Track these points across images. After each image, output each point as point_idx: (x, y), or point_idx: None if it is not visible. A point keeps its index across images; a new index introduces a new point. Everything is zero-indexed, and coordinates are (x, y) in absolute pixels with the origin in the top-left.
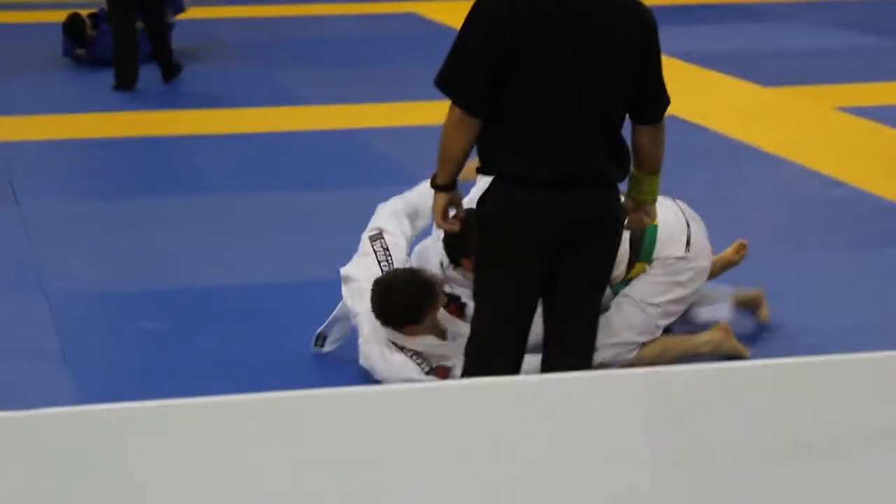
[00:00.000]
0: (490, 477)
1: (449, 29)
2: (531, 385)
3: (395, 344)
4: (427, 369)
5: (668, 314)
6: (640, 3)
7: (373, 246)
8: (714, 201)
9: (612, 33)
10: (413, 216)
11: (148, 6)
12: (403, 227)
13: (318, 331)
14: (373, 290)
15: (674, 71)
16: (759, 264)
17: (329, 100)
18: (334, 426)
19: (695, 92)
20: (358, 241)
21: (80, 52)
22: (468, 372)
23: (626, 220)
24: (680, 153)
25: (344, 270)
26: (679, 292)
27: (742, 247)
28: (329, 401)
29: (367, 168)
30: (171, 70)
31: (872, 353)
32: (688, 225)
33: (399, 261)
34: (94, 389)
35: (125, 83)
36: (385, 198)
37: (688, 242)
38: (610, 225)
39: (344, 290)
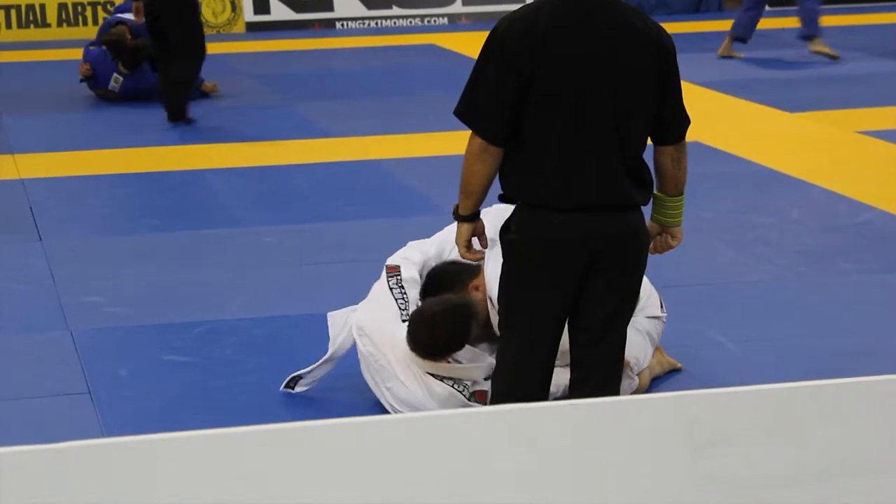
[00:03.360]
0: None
1: (468, 59)
2: (566, 409)
3: (433, 375)
4: (468, 394)
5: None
6: (658, 26)
7: (388, 284)
8: (742, 227)
9: (631, 57)
10: (426, 256)
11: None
12: (419, 263)
13: (296, 373)
14: (412, 324)
15: (698, 98)
16: (789, 289)
17: (352, 132)
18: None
19: (719, 119)
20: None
21: (114, 82)
22: (497, 400)
23: (651, 245)
24: (706, 180)
25: (356, 317)
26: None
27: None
28: (358, 429)
29: (391, 199)
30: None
31: None
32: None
33: (413, 300)
34: (121, 425)
35: (179, 116)
36: (409, 228)
37: (661, 305)
38: (636, 248)
39: (357, 337)
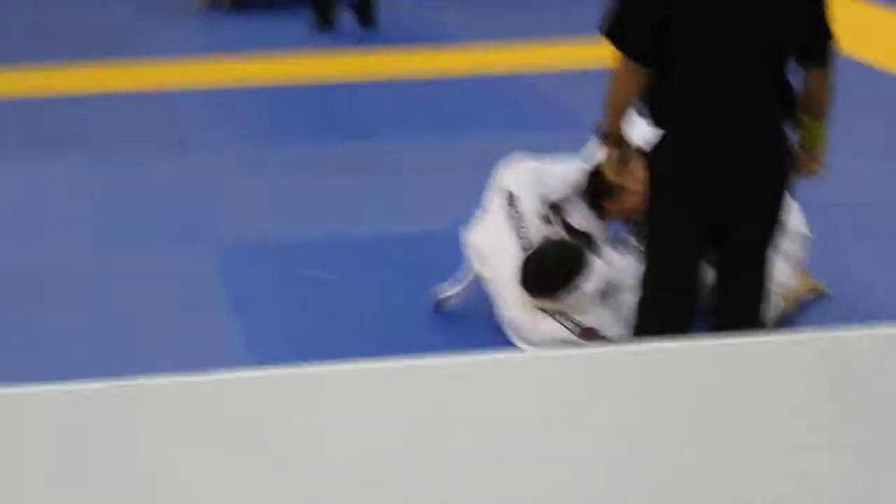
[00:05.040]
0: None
1: None
2: (706, 349)
3: (542, 310)
4: (578, 331)
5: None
6: None
7: (509, 212)
8: (892, 146)
9: None
10: (542, 186)
11: None
12: (536, 194)
13: (444, 294)
14: (524, 264)
15: (847, 9)
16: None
17: (496, 37)
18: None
19: (872, 33)
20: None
21: None
22: (641, 322)
23: (797, 165)
24: (854, 96)
25: (472, 238)
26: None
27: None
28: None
29: (534, 112)
30: (369, 13)
31: None
32: None
33: (534, 229)
34: (266, 345)
35: (327, 19)
36: (550, 142)
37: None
38: (779, 167)
39: (473, 258)
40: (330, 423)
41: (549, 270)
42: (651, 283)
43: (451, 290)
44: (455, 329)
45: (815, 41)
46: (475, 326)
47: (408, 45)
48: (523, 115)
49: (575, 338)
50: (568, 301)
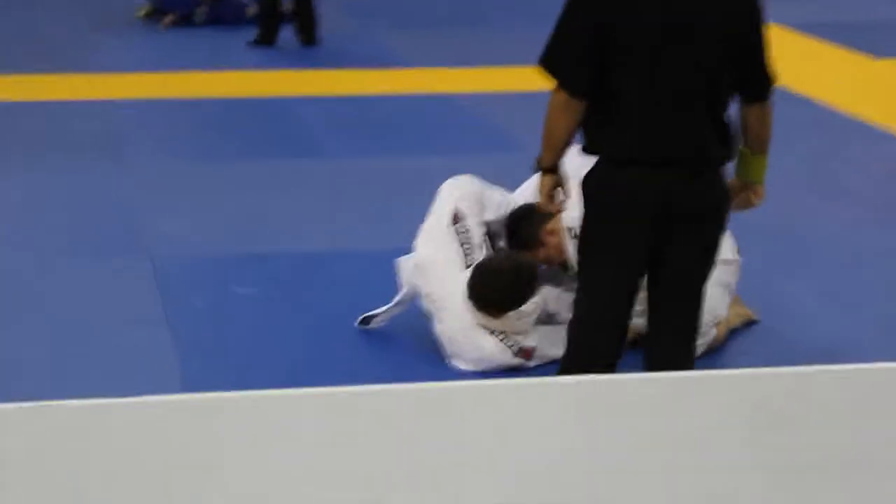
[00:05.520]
0: (589, 472)
1: None
2: (635, 384)
3: (483, 327)
4: (516, 350)
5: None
6: None
7: (455, 228)
8: (817, 176)
9: (718, 11)
10: (483, 210)
11: None
12: (479, 212)
13: (369, 313)
14: (475, 275)
15: (781, 41)
16: (868, 239)
17: (435, 62)
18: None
19: (802, 63)
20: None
21: (198, 17)
22: (571, 354)
23: (733, 202)
24: (784, 125)
25: (418, 255)
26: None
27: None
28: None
29: (471, 134)
30: (312, 33)
31: None
32: None
33: (476, 246)
34: (197, 357)
35: (269, 38)
36: (487, 165)
37: (737, 249)
38: (717, 206)
39: (415, 273)
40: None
41: (503, 285)
42: (584, 311)
43: (379, 309)
44: (382, 347)
45: (756, 80)
46: (403, 344)
47: (349, 66)
48: (461, 136)
49: (512, 357)
50: (512, 318)
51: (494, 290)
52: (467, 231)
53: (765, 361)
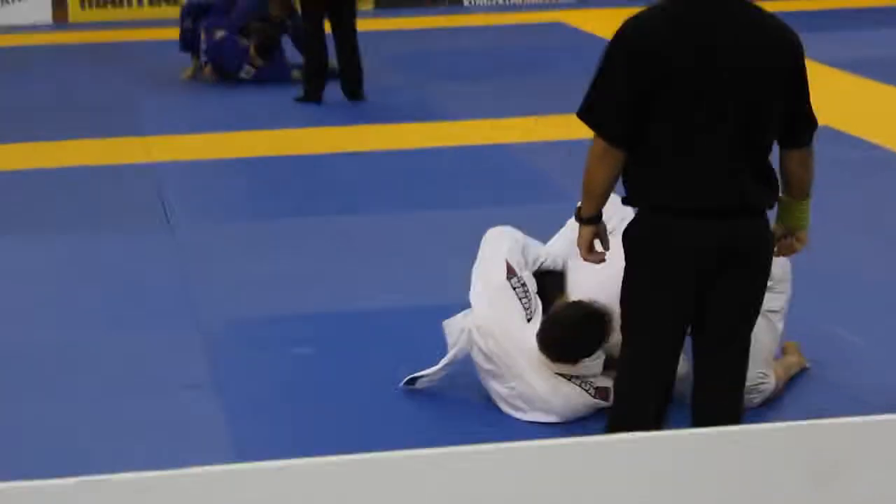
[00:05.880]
0: None
1: (598, 39)
2: (697, 438)
3: (561, 375)
4: (593, 392)
5: (782, 320)
6: (786, 26)
7: (510, 283)
8: (870, 216)
9: (759, 58)
10: (523, 257)
11: (340, 4)
12: (524, 265)
13: (416, 374)
14: (547, 328)
15: (822, 78)
16: None
17: (480, 114)
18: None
19: (843, 99)
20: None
21: (245, 74)
22: (619, 410)
23: (776, 248)
24: (827, 164)
25: (478, 316)
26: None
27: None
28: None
29: (520, 184)
30: (358, 89)
31: None
32: None
33: (533, 298)
34: (250, 422)
35: (315, 95)
36: (534, 214)
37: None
38: (760, 253)
39: (477, 335)
40: None
41: (576, 333)
42: (628, 371)
43: (427, 371)
44: (433, 406)
45: (798, 125)
46: (456, 402)
47: (394, 120)
48: (507, 187)
49: (592, 399)
50: (586, 363)
51: (568, 339)
52: (524, 285)
53: (820, 411)
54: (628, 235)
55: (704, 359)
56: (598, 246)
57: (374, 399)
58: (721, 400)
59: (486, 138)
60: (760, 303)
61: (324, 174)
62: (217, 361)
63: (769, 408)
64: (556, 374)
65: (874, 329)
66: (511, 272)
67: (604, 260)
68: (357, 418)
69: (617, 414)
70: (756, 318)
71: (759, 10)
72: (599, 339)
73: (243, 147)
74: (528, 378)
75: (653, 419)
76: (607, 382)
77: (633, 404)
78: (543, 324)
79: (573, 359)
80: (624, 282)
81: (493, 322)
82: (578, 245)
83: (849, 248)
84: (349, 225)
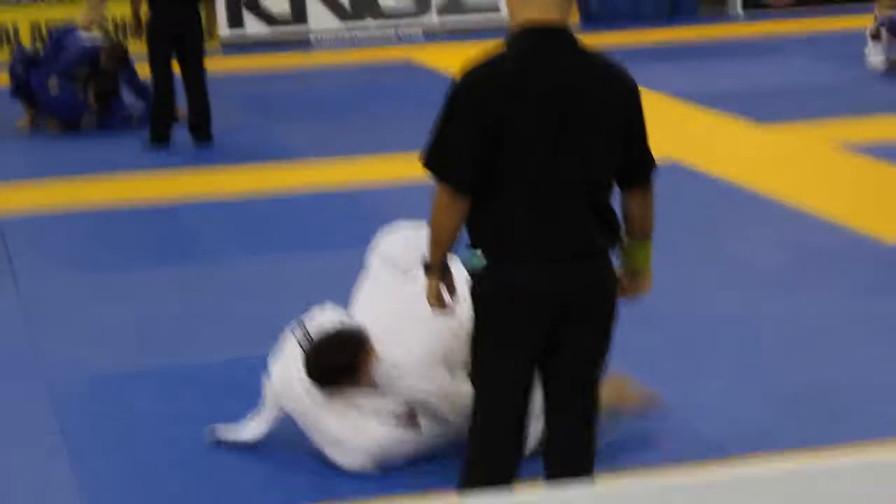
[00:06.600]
0: None
1: (442, 77)
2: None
3: (354, 407)
4: (395, 422)
5: None
6: (621, 69)
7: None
8: (706, 248)
9: (597, 102)
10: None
11: (186, 44)
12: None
13: (236, 437)
14: (305, 353)
15: (666, 110)
16: (756, 313)
17: (331, 152)
18: None
19: (687, 132)
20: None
21: (85, 124)
22: (473, 463)
23: (619, 291)
24: (669, 196)
25: (273, 385)
26: None
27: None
28: None
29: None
30: (206, 130)
31: None
32: None
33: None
34: (95, 478)
35: (162, 137)
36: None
37: None
38: (605, 298)
39: (279, 403)
40: None
41: (321, 353)
42: (480, 416)
43: (243, 434)
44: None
45: (638, 165)
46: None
47: (243, 161)
48: (362, 230)
49: (397, 427)
50: (363, 391)
51: (320, 361)
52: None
53: (675, 455)
54: (474, 286)
55: (556, 403)
56: (445, 296)
57: (215, 454)
58: (575, 441)
59: (334, 178)
60: (608, 348)
61: (171, 222)
62: (63, 418)
63: (615, 453)
64: (349, 406)
65: (722, 364)
66: (304, 328)
67: (452, 310)
68: (202, 474)
69: (470, 469)
70: (605, 359)
71: (597, 55)
72: (349, 358)
73: (87, 195)
74: (326, 419)
75: (509, 472)
76: (405, 408)
77: (489, 458)
78: (302, 354)
79: (333, 380)
80: (472, 331)
81: (281, 380)
82: (427, 296)
83: (687, 282)
84: (196, 274)
